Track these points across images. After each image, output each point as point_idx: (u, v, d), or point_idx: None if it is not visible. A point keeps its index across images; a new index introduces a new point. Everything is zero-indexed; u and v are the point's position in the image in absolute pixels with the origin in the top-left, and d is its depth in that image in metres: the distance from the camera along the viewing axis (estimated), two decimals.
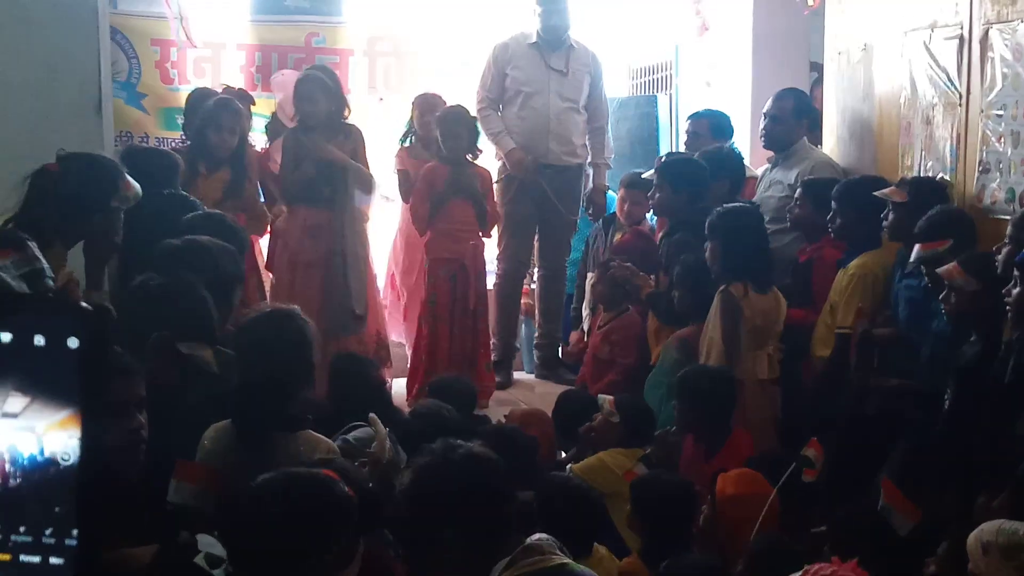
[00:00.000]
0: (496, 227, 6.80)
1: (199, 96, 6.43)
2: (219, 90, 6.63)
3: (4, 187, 4.04)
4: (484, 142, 6.76)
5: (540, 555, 2.75)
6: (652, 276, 6.02)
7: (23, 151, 4.65)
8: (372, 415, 3.86)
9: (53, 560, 1.68)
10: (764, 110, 6.30)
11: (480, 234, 6.57)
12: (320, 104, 6.25)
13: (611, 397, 5.15)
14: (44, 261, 3.66)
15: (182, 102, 6.92)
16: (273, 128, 6.92)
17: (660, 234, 6.27)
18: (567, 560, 2.80)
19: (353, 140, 6.40)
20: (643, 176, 6.42)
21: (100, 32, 5.32)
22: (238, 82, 7.53)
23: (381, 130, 7.60)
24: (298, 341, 3.79)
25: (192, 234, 4.38)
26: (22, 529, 1.66)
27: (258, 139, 7.06)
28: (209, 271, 4.03)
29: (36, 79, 5.07)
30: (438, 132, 6.50)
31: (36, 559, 1.70)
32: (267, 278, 6.38)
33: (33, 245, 3.67)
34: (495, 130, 6.92)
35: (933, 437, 4.02)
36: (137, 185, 4.27)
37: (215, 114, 6.04)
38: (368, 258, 6.53)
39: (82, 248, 4.18)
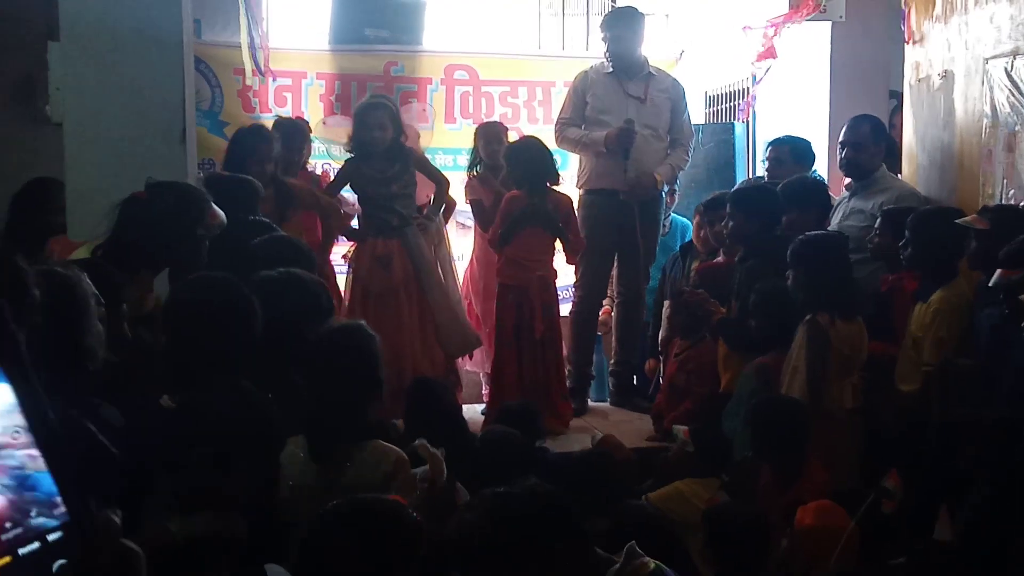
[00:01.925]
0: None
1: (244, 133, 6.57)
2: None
3: (91, 215, 4.11)
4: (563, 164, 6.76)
5: (640, 559, 2.76)
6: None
7: (109, 179, 4.72)
8: (420, 441, 3.89)
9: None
10: (841, 139, 6.23)
11: (552, 262, 6.55)
12: (388, 132, 6.36)
13: (685, 428, 5.12)
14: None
15: None
16: None
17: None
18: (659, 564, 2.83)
19: (414, 163, 6.57)
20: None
21: (184, 62, 5.38)
22: (317, 110, 7.63)
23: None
24: (365, 355, 3.80)
25: (263, 255, 4.43)
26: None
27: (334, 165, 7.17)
28: (309, 302, 4.07)
29: (121, 108, 5.14)
30: (507, 164, 6.53)
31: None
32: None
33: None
34: (577, 136, 6.91)
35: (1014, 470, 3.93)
36: (223, 214, 4.32)
37: (252, 145, 6.22)
38: (441, 282, 6.59)
39: (167, 275, 4.23)
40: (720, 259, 6.36)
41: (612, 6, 9.80)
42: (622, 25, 6.95)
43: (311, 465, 3.60)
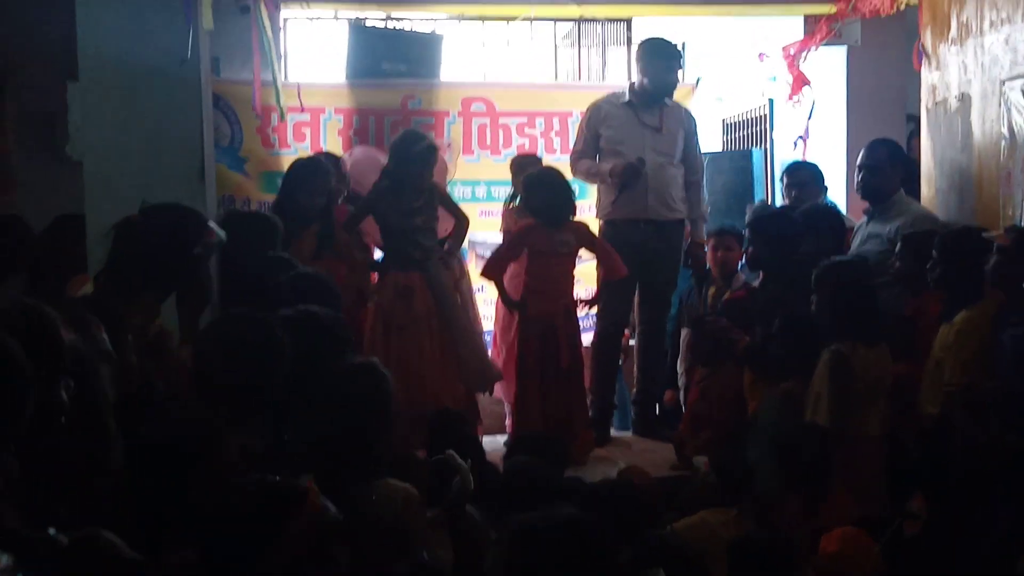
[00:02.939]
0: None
1: (299, 165, 6.62)
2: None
3: None
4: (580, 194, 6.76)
5: None
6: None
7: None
8: (450, 451, 3.88)
9: None
10: (858, 162, 6.22)
11: (573, 291, 6.54)
12: (433, 170, 6.41)
13: (706, 459, 5.10)
14: (107, 342, 3.68)
15: (283, 166, 7.10)
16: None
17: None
18: None
19: (438, 195, 6.59)
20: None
21: (204, 100, 5.44)
22: (336, 146, 7.66)
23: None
24: (375, 393, 3.80)
25: (290, 292, 4.44)
26: None
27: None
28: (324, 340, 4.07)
29: (141, 146, 5.19)
30: (525, 193, 6.56)
31: None
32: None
33: (98, 327, 3.69)
34: (589, 167, 6.94)
35: None
36: (221, 232, 4.32)
37: (304, 177, 6.29)
38: (462, 316, 6.59)
39: (175, 301, 4.24)
40: (740, 288, 6.38)
41: (628, 36, 9.84)
42: (664, 62, 6.95)
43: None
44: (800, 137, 8.10)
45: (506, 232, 7.14)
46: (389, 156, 6.55)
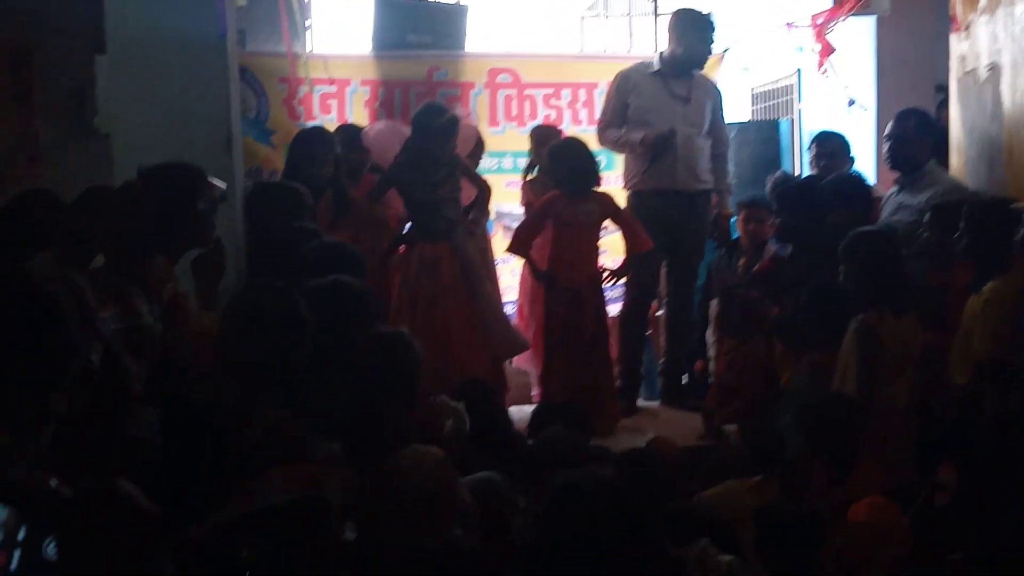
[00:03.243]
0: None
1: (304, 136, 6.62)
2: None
3: None
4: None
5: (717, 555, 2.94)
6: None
7: None
8: (442, 396, 3.89)
9: None
10: (887, 132, 6.18)
11: (597, 262, 6.53)
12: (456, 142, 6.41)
13: (735, 426, 5.09)
14: (147, 314, 3.71)
15: None
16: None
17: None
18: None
19: (460, 166, 6.58)
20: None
21: (230, 72, 5.44)
22: (362, 117, 7.66)
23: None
24: (403, 363, 3.82)
25: (317, 261, 4.46)
26: None
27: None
28: (354, 308, 4.09)
29: (168, 120, 5.20)
30: (549, 164, 6.56)
31: None
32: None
33: (140, 297, 3.72)
34: (619, 136, 6.91)
35: None
36: (222, 185, 4.35)
37: (307, 148, 6.29)
38: (488, 285, 6.60)
39: (192, 271, 4.26)
40: (766, 260, 6.36)
41: (654, 6, 9.80)
42: (699, 32, 6.92)
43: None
44: (852, 100, 8.03)
45: (528, 205, 7.14)
46: (412, 129, 6.55)
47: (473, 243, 6.67)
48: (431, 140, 6.38)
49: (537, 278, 6.57)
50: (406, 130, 6.71)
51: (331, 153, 6.31)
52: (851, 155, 6.95)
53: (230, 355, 3.56)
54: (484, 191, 6.75)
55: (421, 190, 6.41)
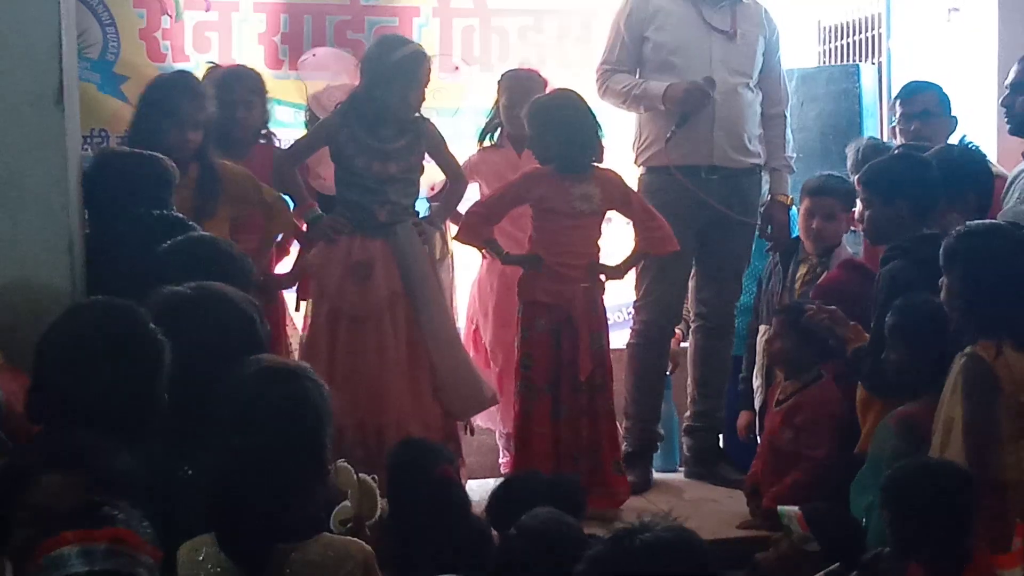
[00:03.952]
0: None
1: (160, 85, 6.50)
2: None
3: None
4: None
5: None
6: None
7: None
8: (340, 463, 3.90)
9: None
10: (1009, 81, 6.23)
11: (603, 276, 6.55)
12: (423, 93, 6.42)
13: (798, 510, 5.10)
14: None
15: None
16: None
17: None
18: None
19: (428, 139, 6.53)
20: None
21: None
22: (256, 55, 7.66)
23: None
24: (305, 411, 3.83)
25: (174, 262, 4.52)
26: None
27: (286, 136, 7.19)
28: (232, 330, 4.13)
29: None
30: (529, 128, 6.49)
31: None
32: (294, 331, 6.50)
33: None
34: (627, 85, 6.90)
35: None
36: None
37: (173, 103, 6.13)
38: (442, 304, 6.59)
39: None
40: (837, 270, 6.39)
41: None
42: None
43: (231, 571, 3.52)
44: (952, 8, 8.09)
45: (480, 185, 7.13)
46: (360, 72, 6.52)
47: (423, 248, 6.55)
48: (386, 88, 6.32)
49: (506, 262, 6.54)
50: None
51: (200, 111, 6.17)
52: (952, 116, 6.95)
53: (48, 399, 3.58)
54: (459, 182, 6.74)
55: (362, 159, 6.36)
